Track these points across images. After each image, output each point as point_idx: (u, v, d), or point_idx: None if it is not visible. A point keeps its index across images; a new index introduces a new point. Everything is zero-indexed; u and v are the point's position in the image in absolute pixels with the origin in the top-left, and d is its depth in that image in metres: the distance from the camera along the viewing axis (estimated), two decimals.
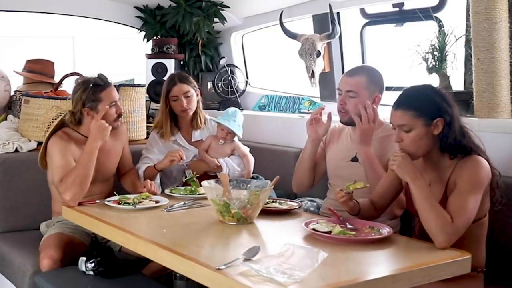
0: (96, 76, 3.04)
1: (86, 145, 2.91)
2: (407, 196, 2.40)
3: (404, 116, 2.25)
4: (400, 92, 2.37)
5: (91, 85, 2.99)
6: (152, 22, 4.56)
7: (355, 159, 2.79)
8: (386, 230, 2.23)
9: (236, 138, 3.43)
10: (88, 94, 2.98)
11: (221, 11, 4.36)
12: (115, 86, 3.11)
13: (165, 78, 4.28)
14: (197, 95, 3.46)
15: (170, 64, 4.38)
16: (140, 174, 3.26)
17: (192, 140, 3.48)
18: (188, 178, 3.10)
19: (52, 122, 3.28)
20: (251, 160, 3.42)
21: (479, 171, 2.20)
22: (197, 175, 3.12)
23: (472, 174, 2.19)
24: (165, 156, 3.24)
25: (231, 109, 3.42)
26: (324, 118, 2.88)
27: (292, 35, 3.74)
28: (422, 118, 2.23)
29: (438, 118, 2.23)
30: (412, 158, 2.25)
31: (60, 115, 3.19)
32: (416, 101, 2.27)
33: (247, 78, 4.64)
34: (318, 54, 3.62)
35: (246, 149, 3.45)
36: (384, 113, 2.90)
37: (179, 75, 3.48)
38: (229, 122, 3.32)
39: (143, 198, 2.76)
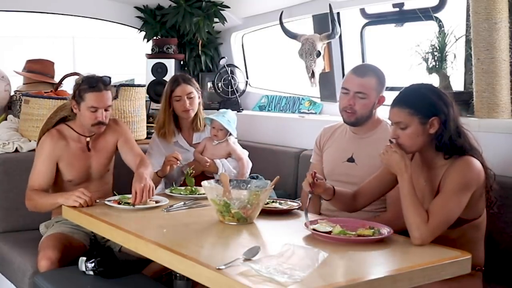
0: (101, 75, 3.04)
1: (58, 196, 2.84)
2: None
3: (400, 113, 2.27)
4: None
5: (81, 81, 3.01)
6: (152, 22, 4.56)
7: (351, 160, 2.77)
8: (386, 230, 2.22)
9: (232, 141, 3.43)
10: (78, 88, 3.01)
11: (221, 11, 4.37)
12: (114, 86, 3.10)
13: (165, 78, 4.31)
14: (199, 97, 3.47)
15: (170, 64, 4.38)
16: None
17: (193, 143, 3.49)
18: (185, 174, 3.09)
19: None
20: (247, 164, 3.42)
21: (467, 172, 2.20)
22: (193, 171, 3.07)
23: (459, 174, 2.20)
24: (163, 163, 3.23)
25: (222, 109, 3.52)
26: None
27: (292, 35, 3.73)
28: (418, 116, 2.24)
29: (433, 117, 2.24)
30: (405, 152, 2.27)
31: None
32: (412, 99, 2.28)
33: (247, 78, 4.64)
34: (318, 54, 3.62)
35: (244, 153, 3.44)
36: (384, 112, 2.90)
37: (182, 76, 3.49)
38: (217, 117, 3.36)
39: None
